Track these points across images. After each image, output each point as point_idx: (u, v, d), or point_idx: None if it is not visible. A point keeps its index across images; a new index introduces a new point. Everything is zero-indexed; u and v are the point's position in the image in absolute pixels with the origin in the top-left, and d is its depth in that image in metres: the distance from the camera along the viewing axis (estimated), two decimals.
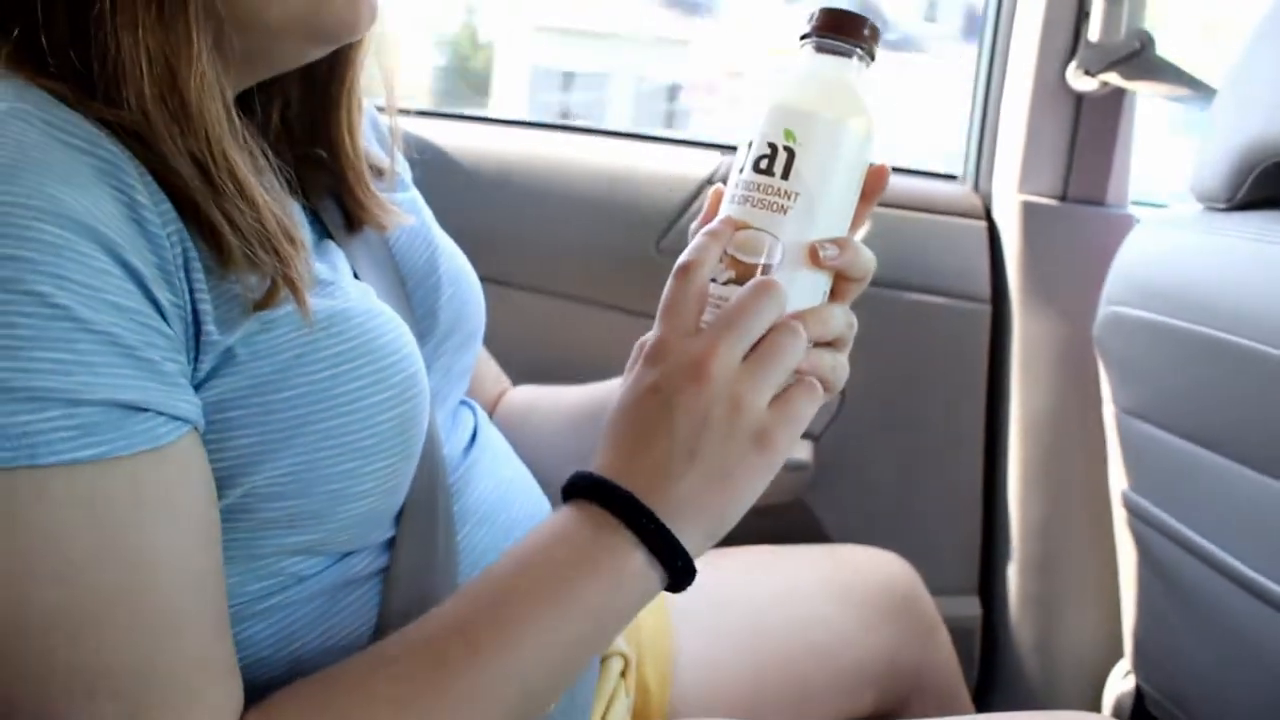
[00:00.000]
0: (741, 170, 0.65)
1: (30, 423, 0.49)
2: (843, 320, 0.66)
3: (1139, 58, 1.35)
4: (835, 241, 0.64)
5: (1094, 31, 1.39)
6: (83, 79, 0.55)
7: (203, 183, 0.57)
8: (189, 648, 0.54)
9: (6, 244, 0.48)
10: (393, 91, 0.78)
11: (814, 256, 0.64)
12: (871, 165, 0.67)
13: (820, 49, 0.66)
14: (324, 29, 0.63)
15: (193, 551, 0.55)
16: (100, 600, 0.51)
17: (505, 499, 0.78)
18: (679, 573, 0.61)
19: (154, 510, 0.53)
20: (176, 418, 0.54)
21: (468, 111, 1.62)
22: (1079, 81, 1.42)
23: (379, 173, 0.81)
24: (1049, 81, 1.45)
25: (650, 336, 0.64)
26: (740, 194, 0.65)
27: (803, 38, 0.66)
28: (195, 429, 0.56)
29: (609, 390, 0.90)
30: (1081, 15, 1.41)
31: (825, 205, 0.64)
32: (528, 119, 1.65)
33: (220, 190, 0.57)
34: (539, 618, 0.59)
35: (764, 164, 0.64)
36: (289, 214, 0.62)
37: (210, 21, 0.57)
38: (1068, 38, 1.43)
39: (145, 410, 0.52)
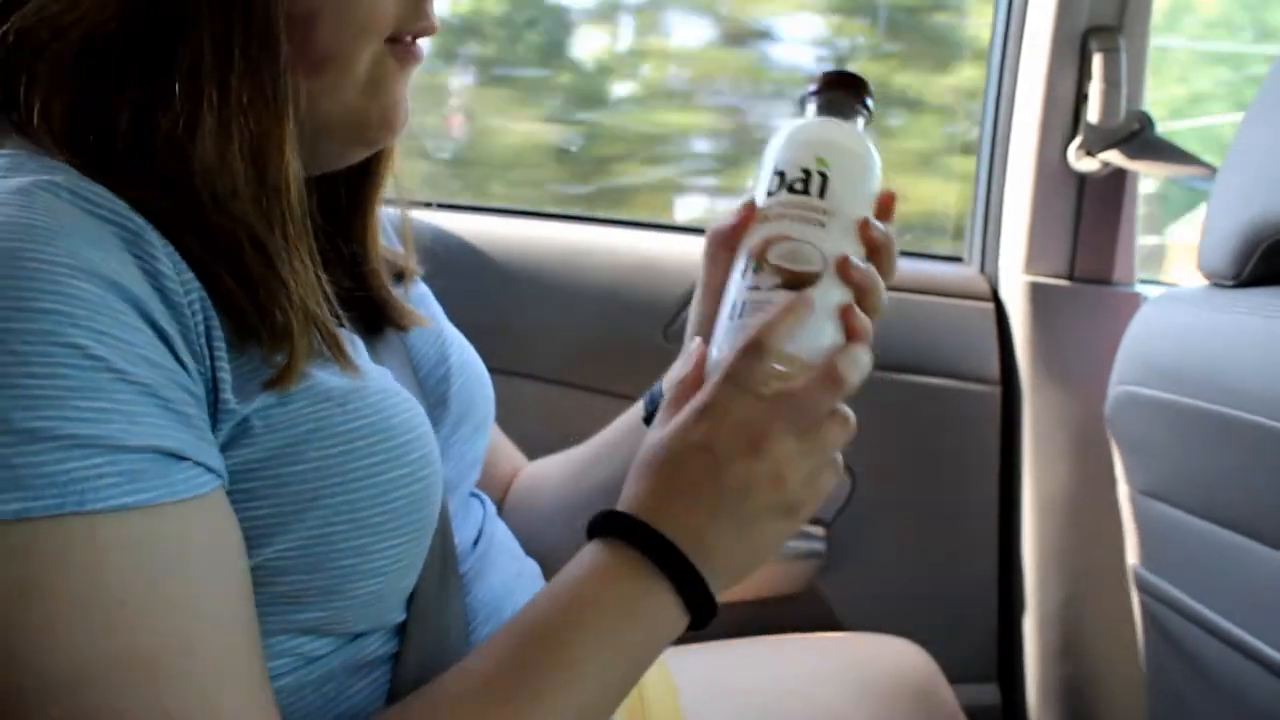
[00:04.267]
0: (772, 194, 0.70)
1: (77, 469, 0.49)
2: (869, 362, 0.69)
3: (1138, 138, 1.37)
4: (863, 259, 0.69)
5: (1093, 113, 1.40)
6: (104, 158, 0.57)
7: (255, 251, 0.58)
8: (242, 691, 0.54)
9: (45, 298, 0.50)
10: (403, 186, 0.79)
11: (845, 267, 0.68)
12: (881, 192, 0.72)
13: (827, 109, 0.72)
14: (369, 126, 0.66)
15: (237, 599, 0.55)
16: (154, 648, 0.51)
17: (512, 594, 0.78)
18: (702, 614, 0.64)
19: (200, 558, 0.53)
20: (212, 470, 0.55)
21: (474, 202, 1.63)
22: (1081, 162, 1.43)
23: (400, 275, 0.82)
24: (1051, 163, 1.46)
25: (703, 389, 0.66)
26: (778, 211, 0.70)
27: (804, 100, 0.73)
28: (223, 486, 0.56)
29: (604, 440, 0.92)
30: (1080, 97, 1.43)
31: (853, 225, 0.70)
32: (530, 209, 1.66)
33: (273, 264, 0.59)
34: (588, 662, 0.62)
35: (799, 185, 0.70)
36: (319, 292, 0.63)
37: (295, 110, 0.60)
38: (1068, 120, 1.44)
39: (186, 459, 0.53)
